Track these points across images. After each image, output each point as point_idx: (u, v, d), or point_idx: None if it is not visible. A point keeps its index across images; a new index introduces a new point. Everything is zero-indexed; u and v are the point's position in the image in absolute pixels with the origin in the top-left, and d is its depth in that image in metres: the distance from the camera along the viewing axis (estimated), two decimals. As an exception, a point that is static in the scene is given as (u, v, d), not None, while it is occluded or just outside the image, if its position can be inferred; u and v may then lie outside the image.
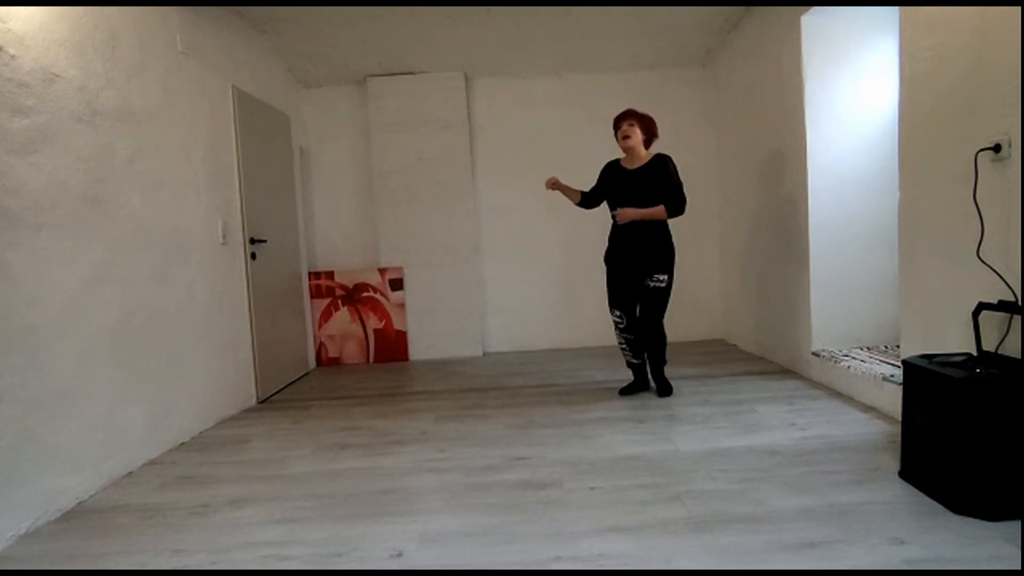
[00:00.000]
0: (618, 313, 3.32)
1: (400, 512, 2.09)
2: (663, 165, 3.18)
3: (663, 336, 3.33)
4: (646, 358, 3.40)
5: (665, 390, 3.35)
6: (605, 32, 4.38)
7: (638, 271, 3.24)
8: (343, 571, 1.74)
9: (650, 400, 3.31)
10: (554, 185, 3.32)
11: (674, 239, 3.30)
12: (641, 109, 3.32)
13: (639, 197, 3.18)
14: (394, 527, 1.98)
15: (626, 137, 3.21)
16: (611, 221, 3.34)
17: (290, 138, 4.53)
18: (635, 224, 3.20)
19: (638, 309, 3.29)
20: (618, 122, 3.26)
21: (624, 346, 3.39)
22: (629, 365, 3.46)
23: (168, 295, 2.96)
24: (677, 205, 3.17)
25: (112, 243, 2.59)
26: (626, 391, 3.43)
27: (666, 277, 3.23)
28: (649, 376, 3.48)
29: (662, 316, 3.27)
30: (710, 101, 5.02)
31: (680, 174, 3.22)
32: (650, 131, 3.29)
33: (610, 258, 3.36)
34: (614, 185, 3.29)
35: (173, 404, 2.95)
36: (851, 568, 1.61)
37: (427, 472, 2.45)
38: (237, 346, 3.61)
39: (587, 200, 3.41)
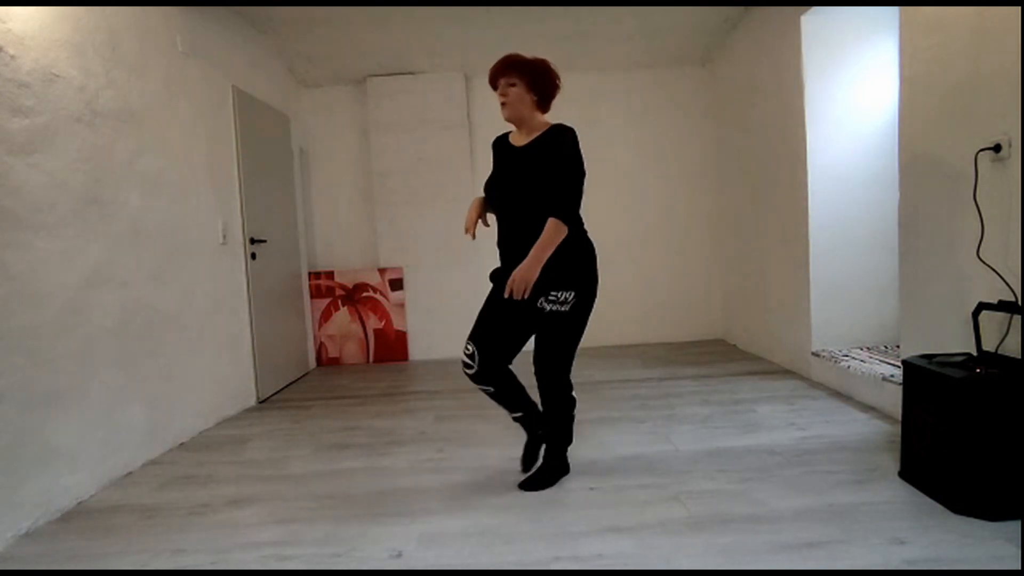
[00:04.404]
0: (470, 349, 2.13)
1: (400, 512, 2.09)
2: (559, 139, 2.07)
3: (567, 399, 2.21)
4: (537, 416, 2.32)
5: (546, 479, 2.23)
6: (605, 32, 4.38)
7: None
8: (343, 571, 1.74)
9: (649, 400, 3.31)
10: (474, 224, 2.21)
11: (593, 244, 2.19)
12: (530, 54, 2.14)
13: (522, 188, 2.08)
14: (394, 527, 1.98)
15: (503, 103, 2.12)
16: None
17: (290, 138, 4.53)
18: (519, 218, 2.10)
19: (534, 352, 2.18)
20: (494, 78, 2.15)
21: (490, 399, 2.25)
22: (514, 420, 2.32)
23: (168, 295, 2.96)
24: (562, 204, 2.02)
25: (112, 243, 2.59)
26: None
27: (571, 295, 2.07)
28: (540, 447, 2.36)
29: (565, 362, 2.16)
30: (710, 101, 5.02)
31: (583, 160, 2.12)
32: (543, 85, 2.13)
33: (497, 275, 2.23)
34: (498, 170, 2.22)
35: (173, 404, 2.95)
36: (851, 568, 1.61)
37: (427, 472, 2.45)
38: (237, 346, 3.61)
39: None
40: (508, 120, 2.16)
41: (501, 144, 2.28)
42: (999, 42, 2.06)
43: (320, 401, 3.75)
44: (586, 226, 2.17)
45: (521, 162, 2.12)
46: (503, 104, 2.13)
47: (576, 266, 2.09)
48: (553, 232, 2.00)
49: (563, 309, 2.08)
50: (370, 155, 4.97)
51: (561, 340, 2.14)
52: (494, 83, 2.16)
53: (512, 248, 2.12)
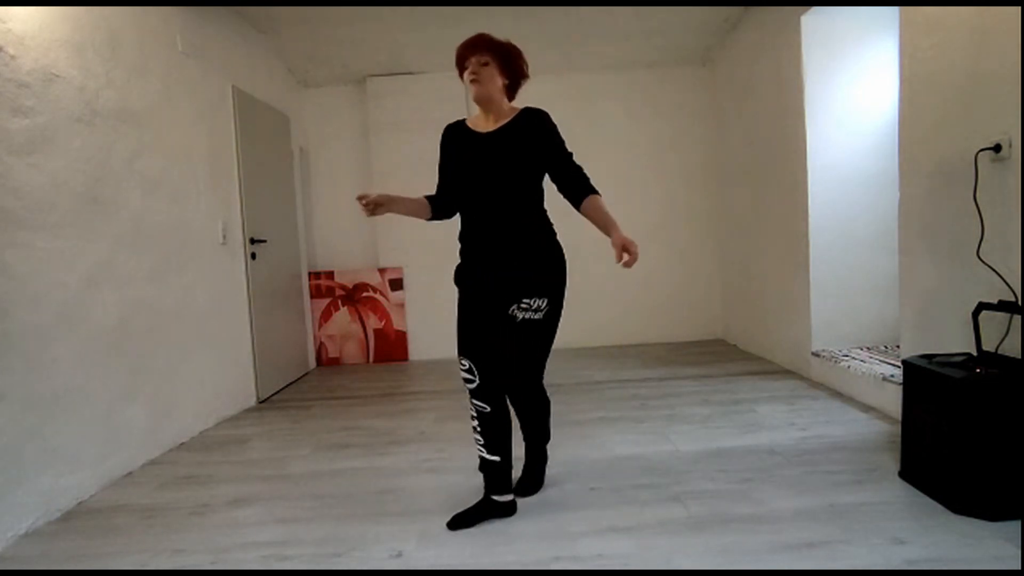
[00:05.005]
0: (466, 363, 1.98)
1: (400, 512, 2.09)
2: (539, 122, 1.98)
3: (544, 401, 2.20)
4: (524, 439, 2.24)
5: (539, 479, 2.23)
6: (605, 32, 4.38)
7: (498, 294, 1.95)
8: (343, 571, 1.74)
9: (650, 400, 3.31)
10: (375, 206, 1.90)
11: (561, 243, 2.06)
12: (500, 36, 2.02)
13: (501, 177, 1.95)
14: (394, 527, 1.98)
15: (474, 80, 1.95)
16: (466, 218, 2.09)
17: (290, 138, 4.53)
18: (491, 216, 1.97)
19: (505, 361, 2.04)
20: (463, 57, 1.99)
21: (476, 424, 2.00)
22: (482, 465, 2.03)
23: (168, 295, 2.96)
24: (585, 181, 2.01)
25: (112, 243, 2.59)
26: (464, 517, 1.98)
27: (544, 303, 1.95)
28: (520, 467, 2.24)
29: (539, 370, 2.11)
30: (710, 100, 5.02)
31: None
32: (514, 70, 2.02)
33: (461, 276, 2.07)
34: (462, 157, 2.04)
35: (173, 404, 2.95)
36: (851, 568, 1.61)
37: (427, 472, 2.45)
38: (237, 346, 3.61)
39: (440, 204, 2.14)
40: (478, 99, 1.98)
41: (459, 131, 2.08)
42: (999, 42, 2.06)
43: (320, 401, 3.75)
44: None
45: (493, 148, 1.96)
46: (474, 82, 1.94)
47: (549, 271, 1.98)
48: (605, 205, 1.96)
49: (536, 317, 1.95)
50: (370, 155, 4.98)
51: (535, 349, 2.03)
52: (463, 61, 1.98)
53: (489, 239, 1.97)
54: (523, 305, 1.94)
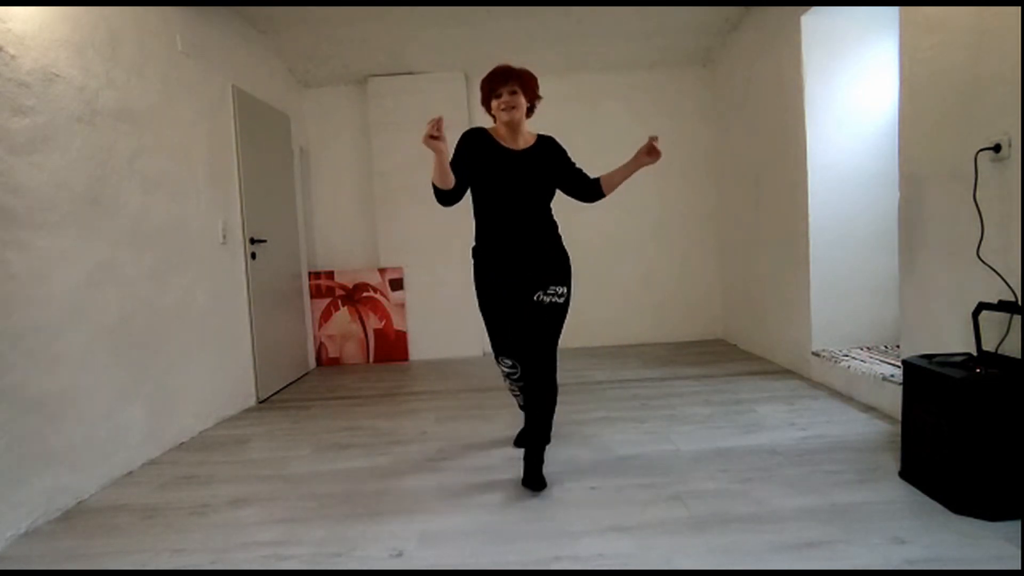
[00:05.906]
0: (509, 362, 2.38)
1: (400, 512, 2.09)
2: (557, 147, 2.40)
3: (555, 388, 2.34)
4: (527, 424, 2.30)
5: (536, 481, 2.20)
6: (605, 32, 4.38)
7: (527, 284, 2.28)
8: (343, 571, 1.74)
9: (650, 400, 3.31)
10: (439, 139, 1.94)
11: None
12: (518, 64, 2.31)
13: (537, 190, 2.30)
14: (394, 527, 1.98)
15: (510, 107, 2.23)
16: (481, 221, 2.34)
17: (290, 138, 4.53)
18: (530, 214, 2.30)
19: (526, 346, 2.28)
20: (495, 86, 2.25)
21: (516, 390, 2.53)
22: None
23: (168, 295, 2.96)
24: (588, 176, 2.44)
25: (112, 243, 2.59)
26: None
27: (564, 290, 2.32)
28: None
29: (556, 350, 2.31)
30: (710, 101, 5.02)
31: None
32: (534, 97, 2.33)
33: (486, 276, 2.34)
34: (495, 169, 2.25)
35: (173, 404, 2.95)
36: (851, 568, 1.61)
37: (427, 472, 2.45)
38: (237, 346, 3.61)
39: (457, 189, 2.19)
40: (511, 125, 2.27)
41: (487, 141, 2.29)
42: (999, 42, 2.07)
43: (320, 401, 3.75)
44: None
45: (529, 166, 2.29)
46: (511, 109, 2.24)
47: (566, 265, 2.37)
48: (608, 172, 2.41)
49: (560, 301, 2.31)
50: (370, 155, 4.97)
51: (556, 329, 2.32)
52: (492, 92, 2.27)
53: (524, 241, 2.29)
54: (550, 291, 2.30)
